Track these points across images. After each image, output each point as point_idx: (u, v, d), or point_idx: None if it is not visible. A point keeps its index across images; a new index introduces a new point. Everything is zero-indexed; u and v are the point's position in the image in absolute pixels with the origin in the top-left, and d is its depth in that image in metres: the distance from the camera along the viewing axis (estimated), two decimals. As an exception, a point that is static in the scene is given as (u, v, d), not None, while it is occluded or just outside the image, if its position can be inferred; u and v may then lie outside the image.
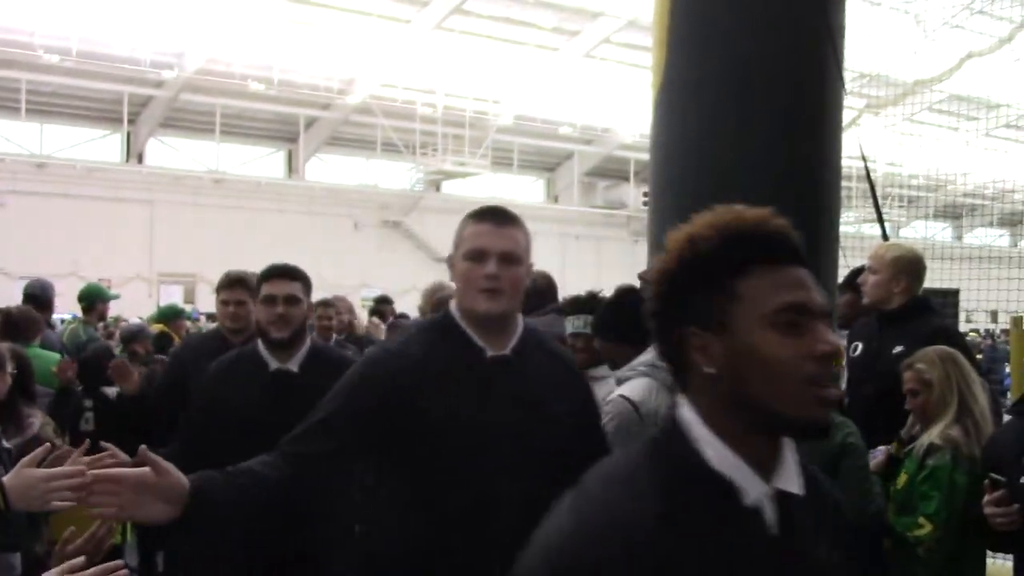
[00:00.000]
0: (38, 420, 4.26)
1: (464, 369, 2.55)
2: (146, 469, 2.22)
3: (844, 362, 4.30)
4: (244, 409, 3.56)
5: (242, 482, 2.38)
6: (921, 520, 3.33)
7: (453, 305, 2.67)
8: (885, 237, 5.95)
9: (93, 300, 7.82)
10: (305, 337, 3.82)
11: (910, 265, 4.36)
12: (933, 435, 3.48)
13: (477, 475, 2.46)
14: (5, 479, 2.51)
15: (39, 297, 6.93)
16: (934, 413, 3.54)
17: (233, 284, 4.84)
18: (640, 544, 1.38)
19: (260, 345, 3.75)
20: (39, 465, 2.55)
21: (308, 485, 2.52)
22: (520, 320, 2.73)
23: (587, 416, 2.84)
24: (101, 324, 8.52)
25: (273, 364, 3.70)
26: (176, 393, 4.50)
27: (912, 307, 4.32)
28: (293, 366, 3.70)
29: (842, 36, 5.67)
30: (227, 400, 3.66)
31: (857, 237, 9.36)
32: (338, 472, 2.59)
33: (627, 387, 3.98)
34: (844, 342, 4.39)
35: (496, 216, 2.69)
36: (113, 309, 11.56)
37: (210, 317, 16.06)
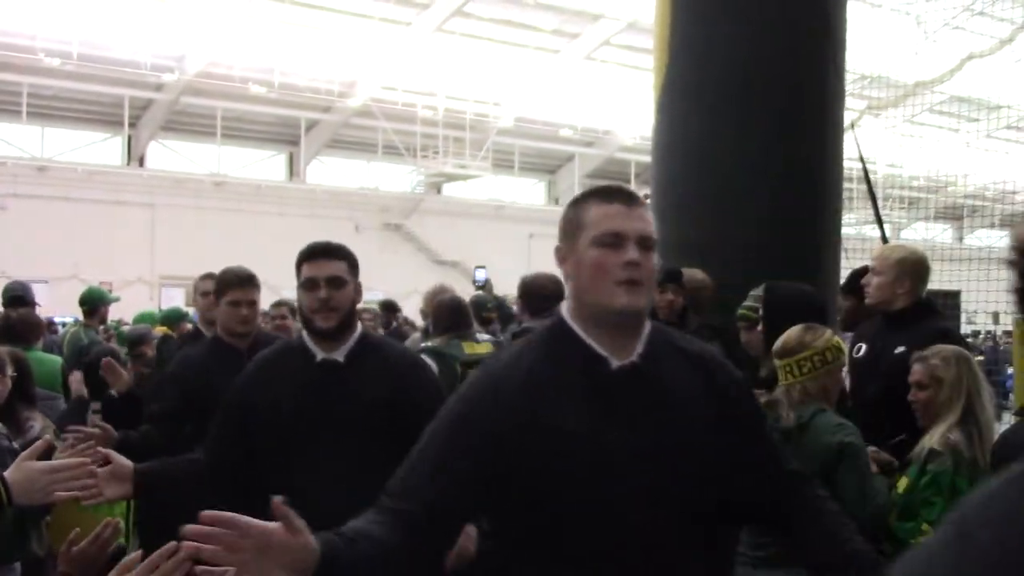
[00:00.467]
0: (38, 423, 4.26)
1: (584, 383, 2.16)
2: (277, 524, 1.84)
3: (847, 362, 4.29)
4: (285, 404, 3.25)
5: (366, 551, 1.99)
6: (925, 527, 3.32)
7: (566, 308, 2.27)
8: (884, 239, 5.95)
9: (95, 304, 7.81)
10: (354, 324, 3.39)
11: (914, 266, 4.36)
12: (935, 439, 3.46)
13: (603, 506, 2.10)
14: (6, 473, 2.50)
15: (24, 298, 6.87)
16: (938, 412, 3.53)
17: (245, 282, 4.39)
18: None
19: (305, 335, 3.38)
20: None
21: (430, 548, 2.18)
22: (647, 320, 2.29)
23: (743, 420, 2.33)
24: (102, 327, 8.52)
25: (319, 354, 3.31)
26: (188, 418, 4.18)
27: (916, 309, 4.32)
28: (339, 356, 3.30)
29: (842, 38, 5.67)
30: (267, 396, 3.29)
31: (859, 238, 9.36)
32: (456, 525, 2.23)
33: None
34: (847, 344, 4.38)
35: (626, 196, 2.29)
36: (114, 312, 11.57)
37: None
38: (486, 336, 5.82)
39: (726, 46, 5.30)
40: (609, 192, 2.29)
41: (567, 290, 2.31)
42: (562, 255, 2.30)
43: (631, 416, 2.13)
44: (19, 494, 2.46)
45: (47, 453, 2.62)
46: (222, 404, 3.40)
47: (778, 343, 3.66)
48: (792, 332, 3.68)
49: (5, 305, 7.03)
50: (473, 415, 2.15)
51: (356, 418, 3.20)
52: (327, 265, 3.34)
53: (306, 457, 3.15)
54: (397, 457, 2.61)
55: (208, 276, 4.91)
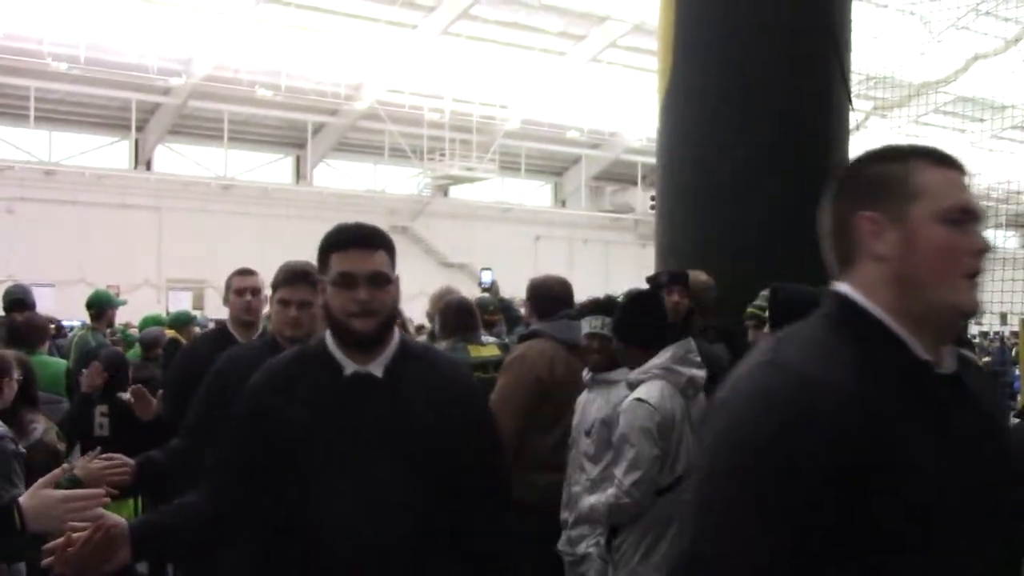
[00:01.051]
0: (41, 425, 4.28)
1: (921, 400, 1.62)
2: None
3: None
4: (304, 427, 2.59)
5: None
6: None
7: (870, 300, 1.68)
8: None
9: (102, 307, 7.83)
10: (393, 330, 2.72)
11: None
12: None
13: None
14: (22, 499, 2.52)
15: (24, 300, 6.90)
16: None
17: (295, 279, 4.00)
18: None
19: (328, 341, 2.69)
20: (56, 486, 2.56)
21: None
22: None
23: None
24: (109, 330, 8.54)
25: (349, 367, 2.64)
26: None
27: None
28: (376, 370, 2.63)
29: (847, 39, 5.67)
30: (283, 416, 2.61)
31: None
32: None
33: (643, 390, 4.01)
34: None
35: (962, 166, 1.78)
36: (121, 316, 11.59)
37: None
38: (491, 338, 5.81)
39: (730, 48, 5.31)
40: (946, 158, 1.76)
41: (878, 274, 1.68)
42: (878, 225, 1.69)
43: (966, 438, 1.65)
44: (32, 520, 2.48)
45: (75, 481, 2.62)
46: (230, 424, 2.78)
47: None
48: None
49: (6, 309, 7.05)
50: (795, 452, 1.52)
51: (394, 447, 2.57)
52: (367, 258, 2.63)
53: (326, 489, 2.57)
54: (435, 488, 2.52)
55: (245, 272, 4.88)
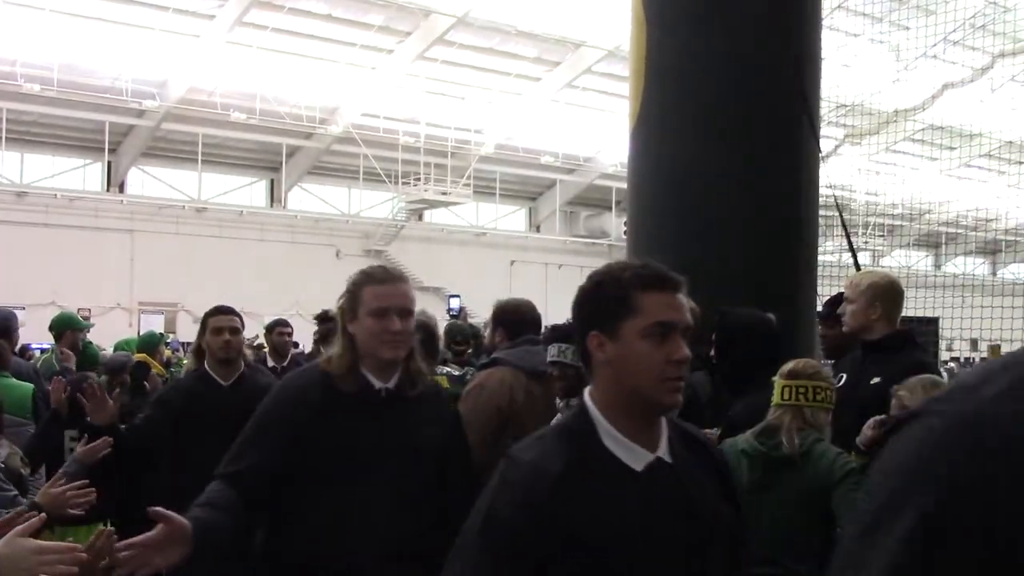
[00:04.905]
0: (4, 450, 4.22)
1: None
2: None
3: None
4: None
5: None
6: None
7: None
8: (858, 267, 5.98)
9: (63, 328, 7.75)
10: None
11: (885, 292, 4.38)
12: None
13: None
14: None
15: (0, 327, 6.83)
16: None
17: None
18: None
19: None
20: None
21: None
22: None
23: None
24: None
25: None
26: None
27: (895, 339, 4.33)
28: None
29: (818, 66, 5.72)
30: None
31: (837, 266, 9.46)
32: None
33: None
34: (830, 371, 4.41)
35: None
36: (93, 339, 11.48)
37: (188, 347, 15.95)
38: (445, 368, 5.70)
39: (700, 74, 5.35)
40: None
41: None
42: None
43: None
44: (4, 570, 2.44)
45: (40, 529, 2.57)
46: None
47: (797, 364, 3.68)
48: (807, 360, 3.81)
49: None
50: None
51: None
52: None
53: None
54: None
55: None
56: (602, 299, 2.16)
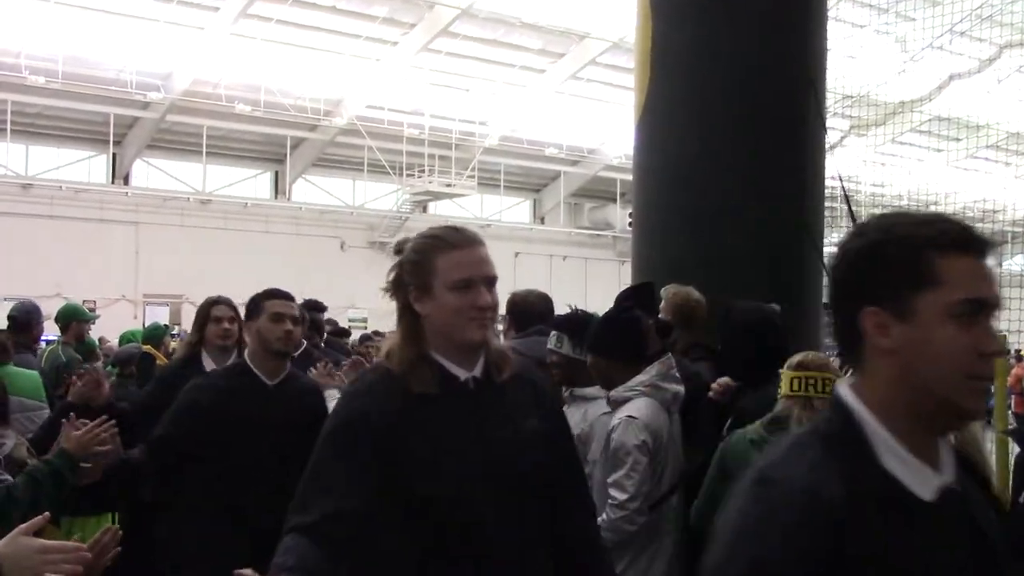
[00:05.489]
0: (11, 441, 4.23)
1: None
2: None
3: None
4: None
5: None
6: None
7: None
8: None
9: (69, 320, 7.78)
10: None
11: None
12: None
13: None
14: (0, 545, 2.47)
15: (17, 319, 6.96)
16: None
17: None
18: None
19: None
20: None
21: None
22: None
23: None
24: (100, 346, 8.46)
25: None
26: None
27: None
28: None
29: (823, 57, 5.71)
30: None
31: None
32: None
33: (632, 407, 4.01)
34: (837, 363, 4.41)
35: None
36: (98, 330, 11.51)
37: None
38: None
39: (706, 65, 5.34)
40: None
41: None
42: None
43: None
44: (8, 569, 2.43)
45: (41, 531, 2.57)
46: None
47: (805, 356, 3.69)
48: (815, 352, 3.85)
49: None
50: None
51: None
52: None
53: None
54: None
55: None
56: (887, 263, 1.58)
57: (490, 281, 2.54)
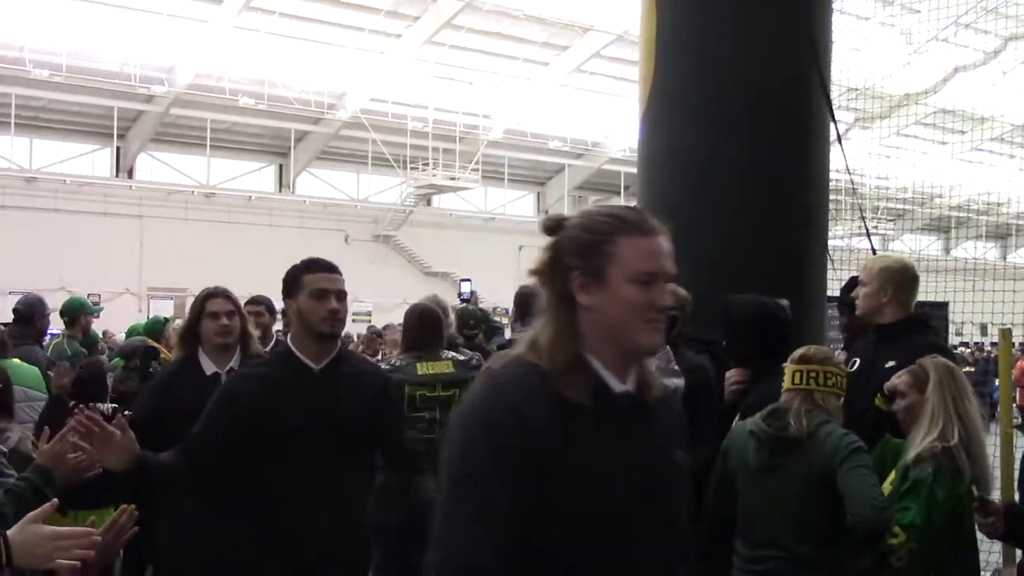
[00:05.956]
0: (15, 434, 4.23)
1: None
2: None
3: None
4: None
5: None
6: (896, 530, 3.34)
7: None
8: (873, 251, 5.96)
9: (75, 313, 7.80)
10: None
11: (896, 276, 4.36)
12: (921, 446, 3.48)
13: None
14: (10, 533, 2.45)
15: (21, 312, 6.97)
16: (919, 420, 3.54)
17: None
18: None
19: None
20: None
21: None
22: None
23: None
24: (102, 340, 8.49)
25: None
26: None
27: (908, 323, 4.32)
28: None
29: (828, 49, 5.69)
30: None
31: (847, 250, 9.40)
32: None
33: None
34: (841, 357, 4.40)
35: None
36: (103, 323, 11.52)
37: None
38: (451, 353, 5.29)
39: (712, 57, 5.32)
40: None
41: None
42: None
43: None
44: (20, 556, 2.42)
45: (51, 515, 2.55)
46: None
47: (808, 350, 3.69)
48: (818, 346, 3.88)
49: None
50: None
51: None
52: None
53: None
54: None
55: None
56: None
57: (671, 280, 2.12)
